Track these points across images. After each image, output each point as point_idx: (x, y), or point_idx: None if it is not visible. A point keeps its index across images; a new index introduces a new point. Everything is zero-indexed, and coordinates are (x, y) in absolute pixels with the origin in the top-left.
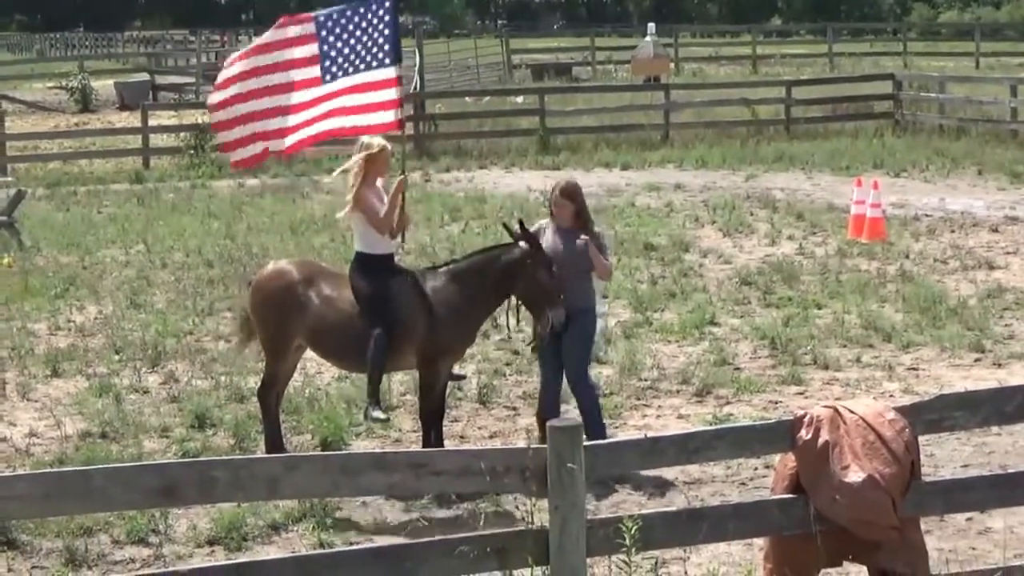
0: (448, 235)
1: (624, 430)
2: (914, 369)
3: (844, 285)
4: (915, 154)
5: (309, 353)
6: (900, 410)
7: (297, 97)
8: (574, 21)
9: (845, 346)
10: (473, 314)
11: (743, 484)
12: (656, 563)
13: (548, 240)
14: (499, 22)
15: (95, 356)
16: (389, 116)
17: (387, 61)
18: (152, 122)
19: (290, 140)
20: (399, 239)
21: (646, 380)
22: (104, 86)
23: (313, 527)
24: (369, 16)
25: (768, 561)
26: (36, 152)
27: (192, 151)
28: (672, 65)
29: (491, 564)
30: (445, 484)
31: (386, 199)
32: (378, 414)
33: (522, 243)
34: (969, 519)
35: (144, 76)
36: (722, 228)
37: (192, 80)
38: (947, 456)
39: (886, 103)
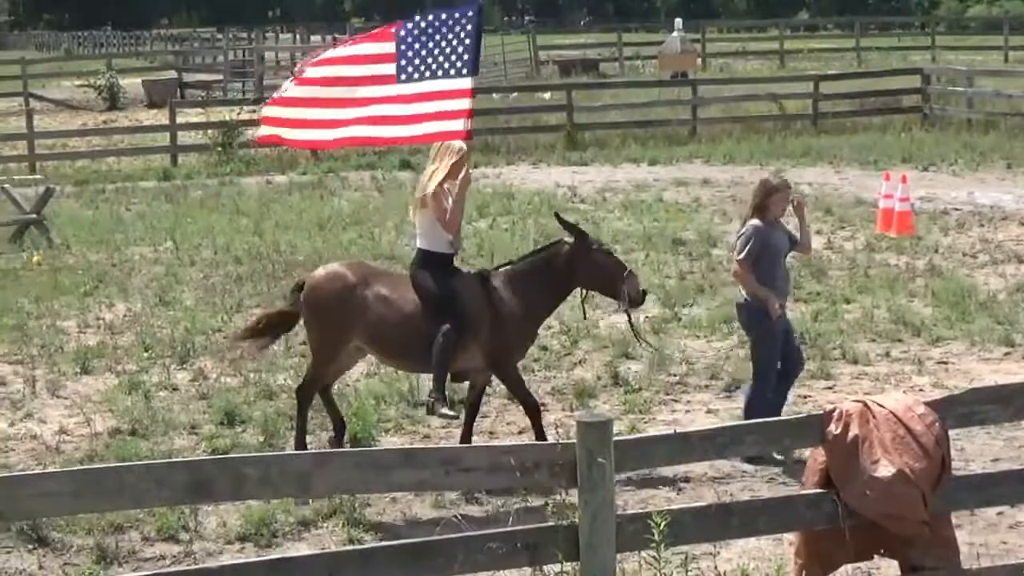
0: (476, 231)
1: (653, 425)
2: (944, 363)
3: (873, 280)
4: (943, 148)
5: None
6: (930, 404)
7: (365, 92)
8: (601, 17)
9: (874, 340)
10: (535, 312)
11: (772, 479)
12: (686, 558)
13: (775, 238)
14: (526, 18)
15: (124, 353)
16: (459, 125)
17: (464, 71)
18: (180, 119)
19: (346, 132)
20: (457, 240)
21: (675, 375)
22: (132, 84)
23: (343, 523)
24: (452, 24)
25: (799, 556)
26: (64, 150)
27: (220, 148)
28: (699, 60)
29: (521, 560)
30: (475, 480)
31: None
32: (445, 411)
33: (568, 236)
34: (1000, 513)
35: (172, 74)
36: None
37: (220, 77)
38: (977, 450)
39: (914, 97)
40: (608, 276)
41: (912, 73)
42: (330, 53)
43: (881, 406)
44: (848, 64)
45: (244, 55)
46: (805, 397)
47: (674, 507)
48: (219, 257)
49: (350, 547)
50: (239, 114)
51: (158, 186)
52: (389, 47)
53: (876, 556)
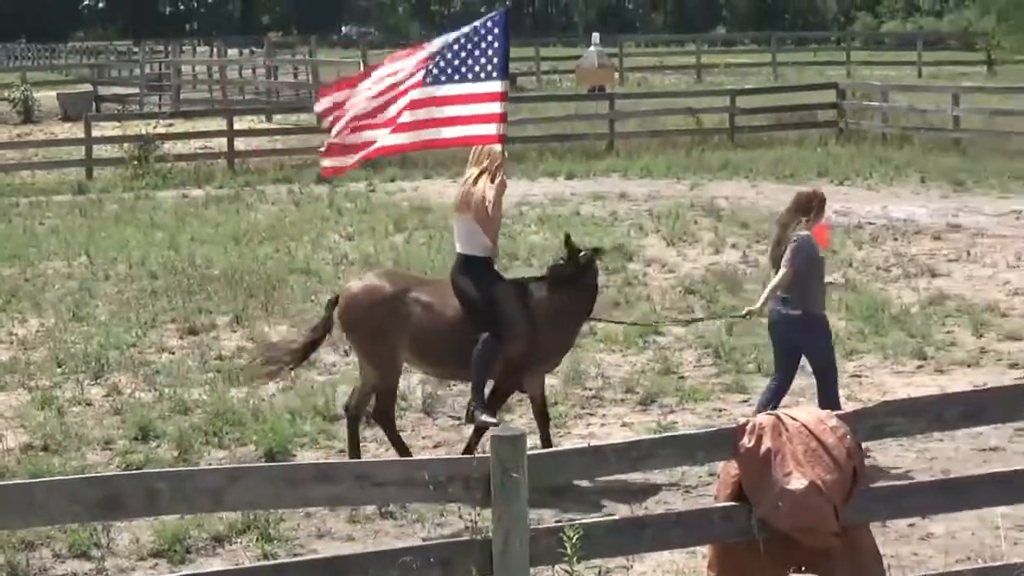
0: (392, 245)
1: (568, 439)
2: (857, 376)
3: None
4: (858, 162)
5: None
6: (842, 417)
7: (400, 102)
8: (519, 31)
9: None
10: (572, 324)
11: (687, 492)
12: (599, 572)
13: (818, 248)
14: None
15: (37, 368)
16: (492, 129)
17: (495, 75)
18: (95, 133)
19: (385, 141)
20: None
21: (590, 389)
22: (47, 97)
23: (257, 539)
24: (480, 30)
25: (712, 570)
26: None
27: (136, 162)
28: (617, 75)
29: (435, 574)
30: (389, 495)
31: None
32: (487, 418)
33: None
34: (911, 525)
35: (87, 87)
36: (666, 237)
37: (136, 91)
38: (890, 462)
39: (830, 112)
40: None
41: (828, 88)
42: (368, 74)
43: (794, 419)
44: (765, 79)
45: (161, 68)
46: (720, 410)
47: (588, 520)
48: (134, 271)
49: (264, 562)
50: (155, 127)
51: (73, 200)
52: (420, 55)
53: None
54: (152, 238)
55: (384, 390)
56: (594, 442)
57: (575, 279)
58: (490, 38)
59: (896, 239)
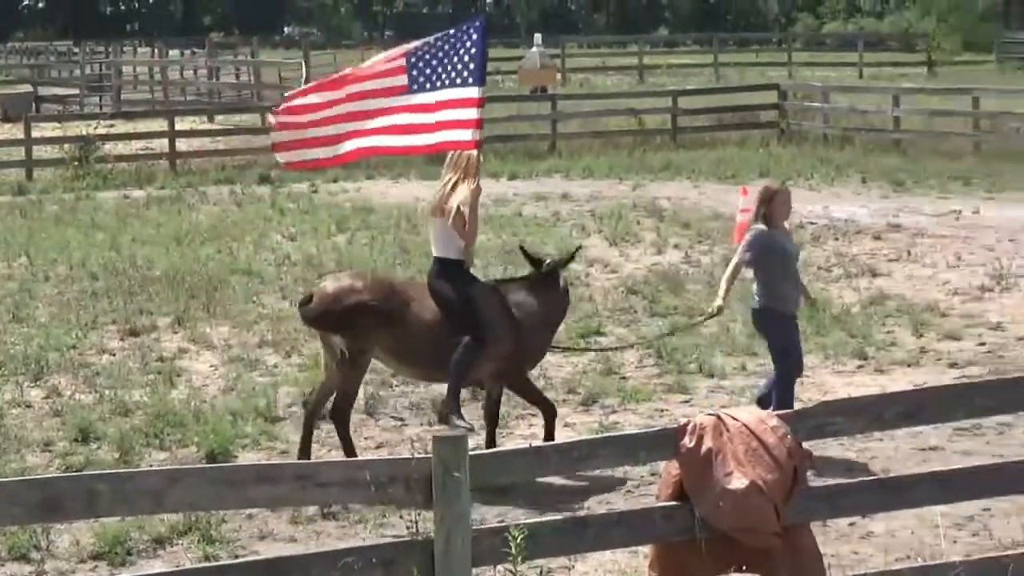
0: (335, 246)
1: (511, 439)
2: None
3: (730, 293)
4: (800, 163)
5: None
6: (782, 417)
7: (376, 103)
8: None
9: (730, 354)
10: (550, 325)
11: (630, 492)
12: (541, 572)
13: (781, 242)
14: (386, 33)
15: None
16: (467, 135)
17: (471, 81)
18: (35, 133)
19: (361, 143)
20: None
21: None
22: None
23: (199, 540)
24: (459, 35)
25: (653, 569)
26: None
27: (76, 162)
28: (559, 75)
29: (376, 575)
30: (330, 495)
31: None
32: (460, 422)
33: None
34: (852, 524)
35: (27, 88)
36: (608, 237)
37: (76, 92)
38: (830, 462)
39: (771, 113)
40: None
41: (769, 89)
42: (340, 73)
43: (735, 419)
44: (707, 80)
45: (101, 69)
46: (661, 411)
47: (530, 520)
48: (74, 272)
49: (205, 564)
50: (96, 128)
51: (12, 201)
52: (400, 61)
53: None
54: (93, 239)
55: (346, 391)
56: (536, 443)
57: (549, 284)
58: (468, 44)
59: (837, 239)
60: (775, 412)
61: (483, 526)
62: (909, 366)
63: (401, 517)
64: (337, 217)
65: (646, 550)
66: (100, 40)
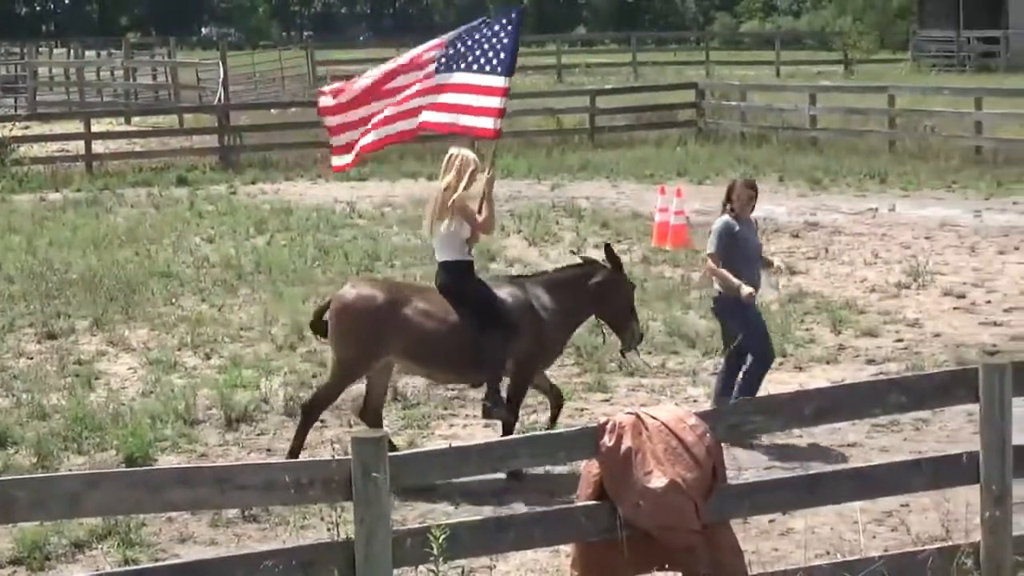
0: (253, 248)
1: (432, 440)
2: (718, 374)
3: (649, 292)
4: (718, 161)
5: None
6: (701, 415)
7: (410, 90)
8: (380, 32)
9: (650, 352)
10: (568, 324)
11: (551, 492)
12: (463, 572)
13: (743, 232)
14: (304, 33)
15: None
16: (489, 123)
17: (500, 70)
18: None
19: (391, 130)
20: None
21: (453, 390)
22: None
23: (118, 544)
24: (493, 25)
25: (575, 568)
26: None
27: None
28: None
29: None
30: (250, 498)
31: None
32: (505, 412)
33: (606, 265)
34: (772, 521)
35: None
36: (528, 237)
37: None
38: (750, 459)
39: (689, 111)
40: (626, 314)
41: (687, 88)
42: (380, 67)
43: (654, 418)
44: (625, 79)
45: (16, 70)
46: (581, 410)
47: (451, 521)
48: None
49: (125, 568)
50: (11, 130)
51: None
52: (437, 52)
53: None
54: (9, 242)
55: (332, 391)
56: (457, 442)
57: (578, 282)
58: (502, 34)
59: None
60: (693, 411)
61: (404, 527)
62: (828, 363)
63: (322, 519)
64: (256, 219)
65: (568, 549)
66: (15, 41)
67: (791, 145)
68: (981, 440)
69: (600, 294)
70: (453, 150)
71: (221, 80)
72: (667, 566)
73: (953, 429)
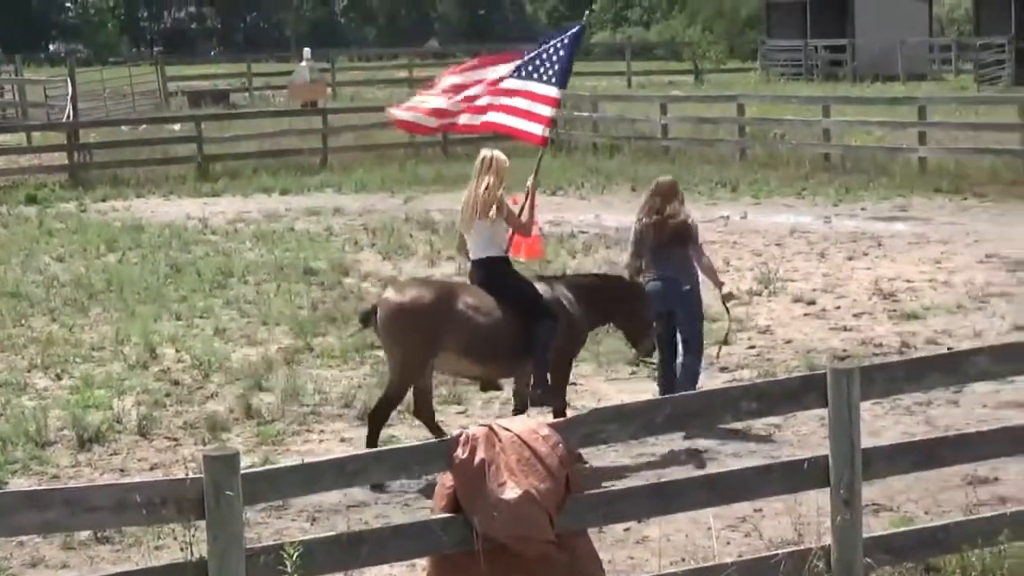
0: (105, 266)
1: (287, 456)
2: (572, 384)
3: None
4: (571, 172)
5: None
6: (554, 426)
7: (485, 78)
8: (231, 48)
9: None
10: (591, 324)
11: (407, 505)
12: None
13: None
14: (155, 49)
15: None
16: (538, 129)
17: (554, 80)
18: None
19: (467, 120)
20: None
21: (308, 406)
22: None
23: None
24: (558, 37)
25: None
26: None
27: None
28: (329, 89)
29: None
30: (101, 520)
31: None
32: (558, 400)
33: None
34: (627, 529)
35: None
36: (381, 251)
37: None
38: (606, 468)
39: None
40: (644, 326)
41: None
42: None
43: (507, 429)
44: None
45: None
46: (438, 423)
47: (306, 537)
48: None
49: None
50: None
51: None
52: (517, 61)
53: None
54: None
55: (396, 394)
56: (312, 458)
57: (601, 287)
58: (560, 48)
59: (608, 247)
60: (545, 422)
61: (258, 544)
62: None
63: (175, 539)
64: (106, 236)
65: (424, 563)
66: None
67: (643, 155)
68: (830, 444)
69: (619, 300)
70: (486, 152)
71: (70, 97)
72: None
73: (805, 434)
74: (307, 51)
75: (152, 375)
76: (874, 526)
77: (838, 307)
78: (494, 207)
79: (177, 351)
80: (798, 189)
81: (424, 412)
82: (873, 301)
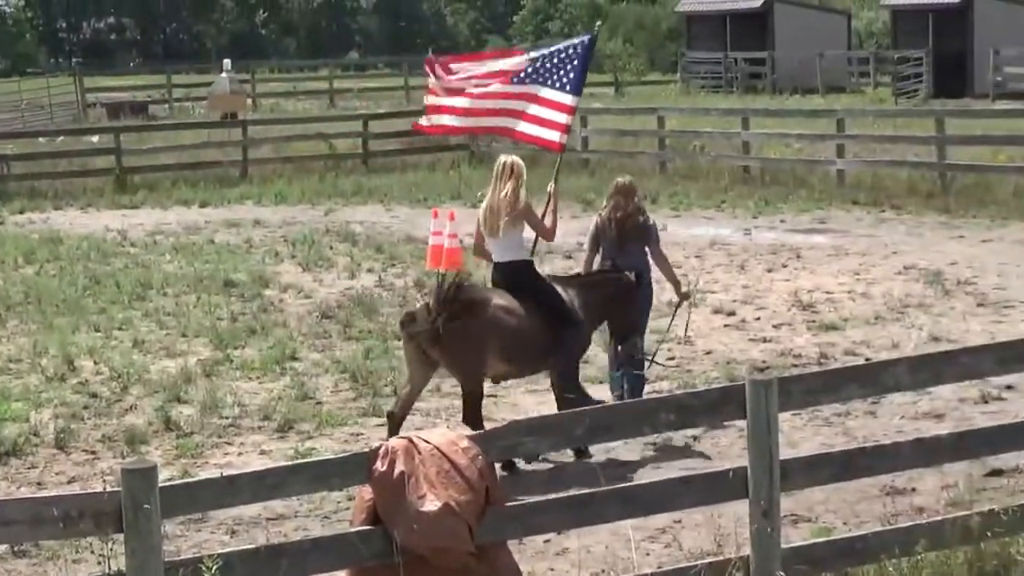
0: (23, 278)
1: (206, 469)
2: (492, 396)
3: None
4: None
5: None
6: (473, 438)
7: (495, 88)
8: (150, 59)
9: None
10: (595, 323)
11: (327, 518)
12: None
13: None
14: (73, 60)
15: None
16: (555, 136)
17: (568, 88)
18: None
19: (480, 122)
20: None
21: (227, 418)
22: None
23: None
24: (573, 49)
25: None
26: None
27: None
28: (250, 101)
29: None
30: (18, 534)
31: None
32: (589, 394)
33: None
34: (547, 541)
35: None
36: (302, 263)
37: None
38: (523, 480)
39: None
40: (635, 323)
41: None
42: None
43: (427, 441)
44: (398, 103)
45: None
46: (357, 435)
47: (225, 550)
48: None
49: None
50: None
51: None
52: (524, 58)
53: None
54: None
55: (473, 396)
56: (230, 471)
57: (605, 286)
58: (573, 54)
59: None
60: (465, 434)
61: (177, 557)
62: (602, 382)
63: (93, 552)
64: (24, 249)
65: (343, 575)
66: None
67: (564, 166)
68: (749, 455)
69: (618, 299)
70: (505, 158)
71: None
72: None
73: (725, 445)
74: (227, 62)
75: (70, 387)
76: (793, 537)
77: (758, 318)
78: (519, 208)
79: (95, 363)
80: (718, 201)
81: (401, 412)
82: (792, 312)
